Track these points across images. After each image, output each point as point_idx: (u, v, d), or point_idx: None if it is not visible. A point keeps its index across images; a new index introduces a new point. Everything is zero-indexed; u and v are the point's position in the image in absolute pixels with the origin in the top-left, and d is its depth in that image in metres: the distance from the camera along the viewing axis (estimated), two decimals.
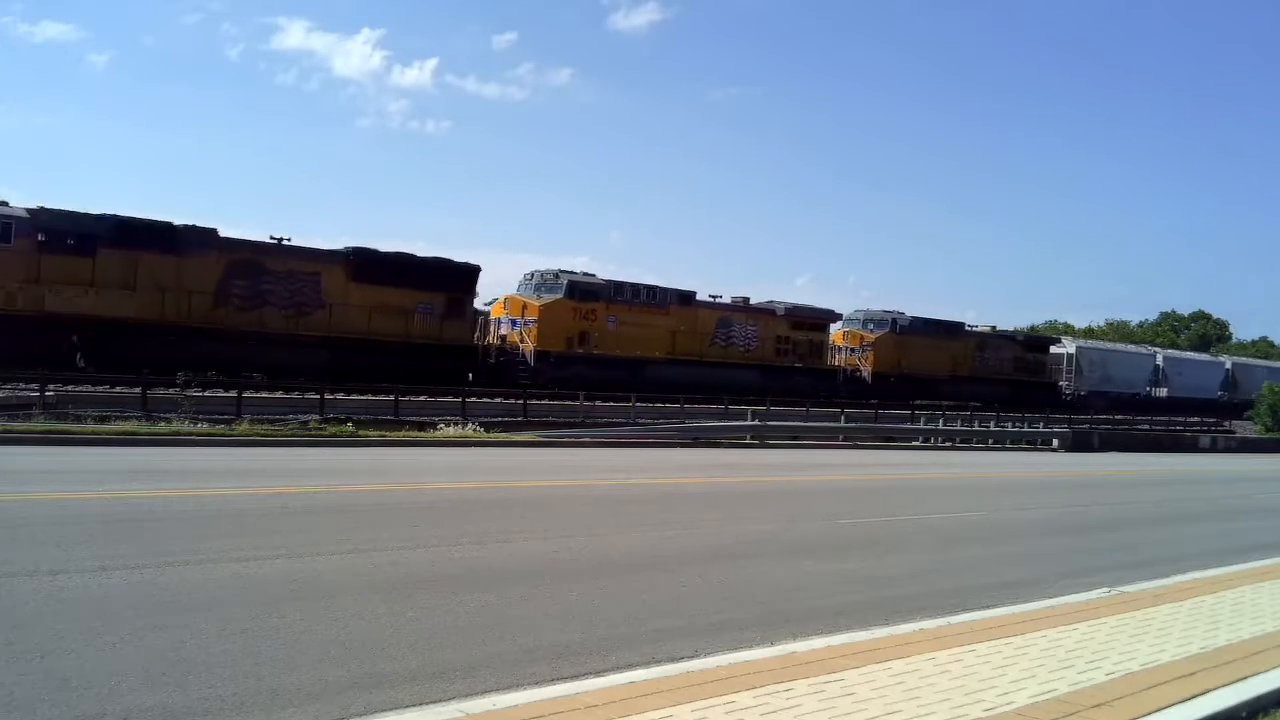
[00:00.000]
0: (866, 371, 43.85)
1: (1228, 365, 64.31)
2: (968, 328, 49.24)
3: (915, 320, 45.94)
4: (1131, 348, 64.28)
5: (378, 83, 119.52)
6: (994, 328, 50.35)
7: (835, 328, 45.25)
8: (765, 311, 41.41)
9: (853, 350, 44.46)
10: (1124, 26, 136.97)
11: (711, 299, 39.96)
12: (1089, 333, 78.57)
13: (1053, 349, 53.94)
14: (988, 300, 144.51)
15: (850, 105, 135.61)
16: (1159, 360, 60.60)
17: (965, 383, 46.91)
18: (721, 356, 38.81)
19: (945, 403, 42.71)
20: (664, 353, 36.93)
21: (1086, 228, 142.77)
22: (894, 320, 45.13)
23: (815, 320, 43.21)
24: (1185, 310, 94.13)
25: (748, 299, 41.38)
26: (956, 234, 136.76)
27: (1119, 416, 54.24)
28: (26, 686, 4.74)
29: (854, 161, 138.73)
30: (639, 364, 35.85)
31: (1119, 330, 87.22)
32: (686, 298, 38.19)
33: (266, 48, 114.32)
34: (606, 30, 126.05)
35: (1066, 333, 73.65)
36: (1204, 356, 68.45)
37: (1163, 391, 58.35)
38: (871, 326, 45.14)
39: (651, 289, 37.40)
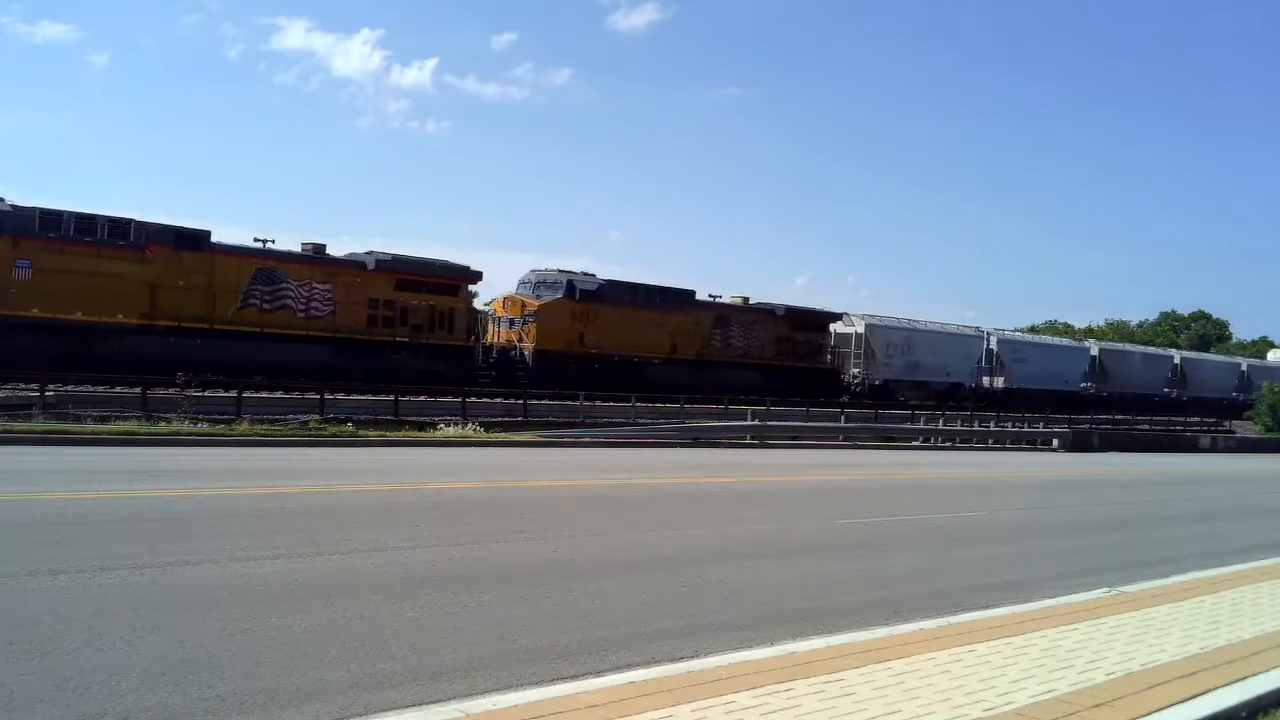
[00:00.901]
0: (528, 350, 33.18)
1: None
2: (708, 298, 39.26)
3: (610, 285, 35.48)
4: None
5: (377, 83, 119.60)
6: (745, 300, 40.46)
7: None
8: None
9: (512, 323, 33.82)
10: (1124, 27, 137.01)
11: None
12: (1089, 333, 78.29)
13: (835, 328, 43.64)
14: (988, 300, 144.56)
15: (850, 105, 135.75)
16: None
17: (694, 367, 36.97)
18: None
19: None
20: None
21: (1086, 228, 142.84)
22: (571, 283, 34.18)
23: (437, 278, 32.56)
24: (1185, 310, 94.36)
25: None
26: (956, 234, 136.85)
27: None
28: (26, 686, 4.74)
29: (854, 161, 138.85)
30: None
31: (1119, 330, 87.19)
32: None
33: (266, 48, 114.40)
34: (606, 30, 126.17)
35: (1066, 333, 73.33)
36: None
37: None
38: (542, 292, 34.19)
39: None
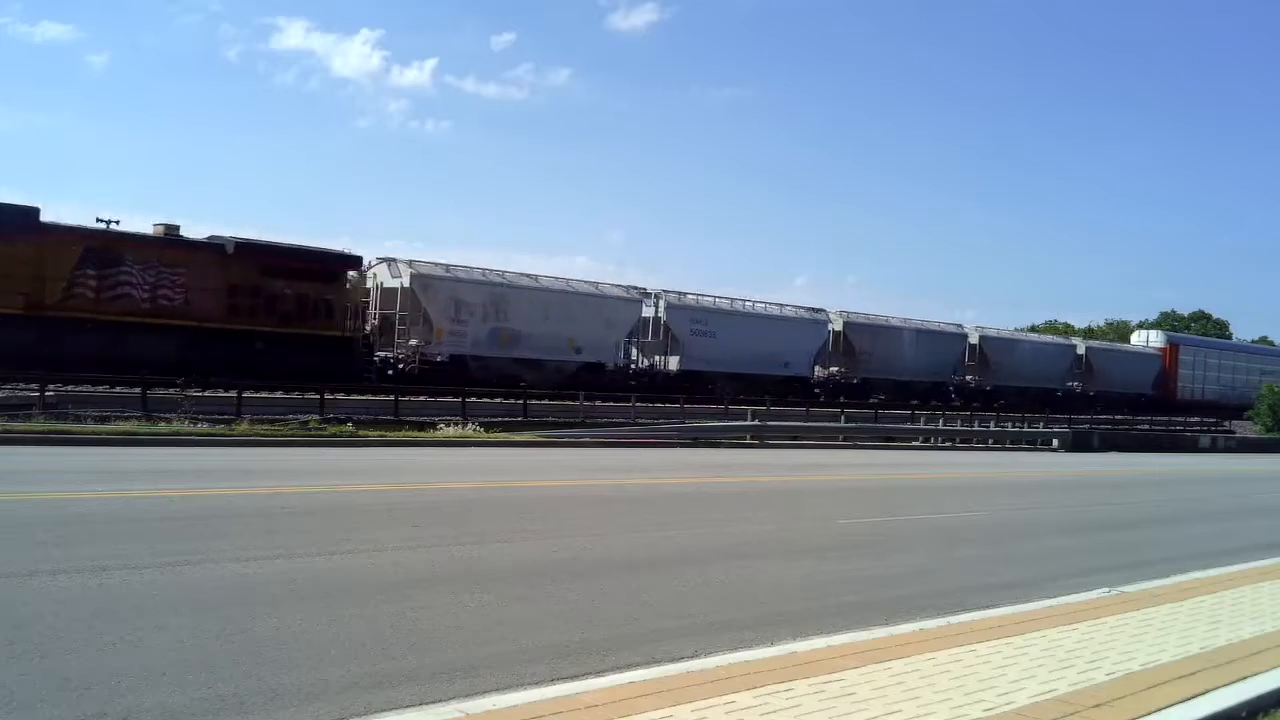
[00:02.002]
0: None
1: (974, 339, 48.48)
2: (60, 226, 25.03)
3: None
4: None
5: (377, 83, 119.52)
6: (169, 229, 26.60)
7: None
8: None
9: None
10: (1124, 25, 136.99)
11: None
12: (1088, 333, 78.11)
13: (381, 279, 30.84)
14: (988, 300, 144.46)
15: (849, 104, 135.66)
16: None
17: (38, 326, 23.51)
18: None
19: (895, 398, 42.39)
20: None
21: (1087, 227, 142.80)
22: None
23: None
24: (1185, 310, 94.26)
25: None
26: (956, 234, 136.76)
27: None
28: (26, 686, 4.74)
29: (853, 161, 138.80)
30: None
31: (1119, 330, 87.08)
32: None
33: (265, 48, 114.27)
34: (605, 30, 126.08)
35: (1066, 332, 72.95)
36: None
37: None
38: None
39: None
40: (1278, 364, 65.86)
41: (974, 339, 48.52)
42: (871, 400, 41.47)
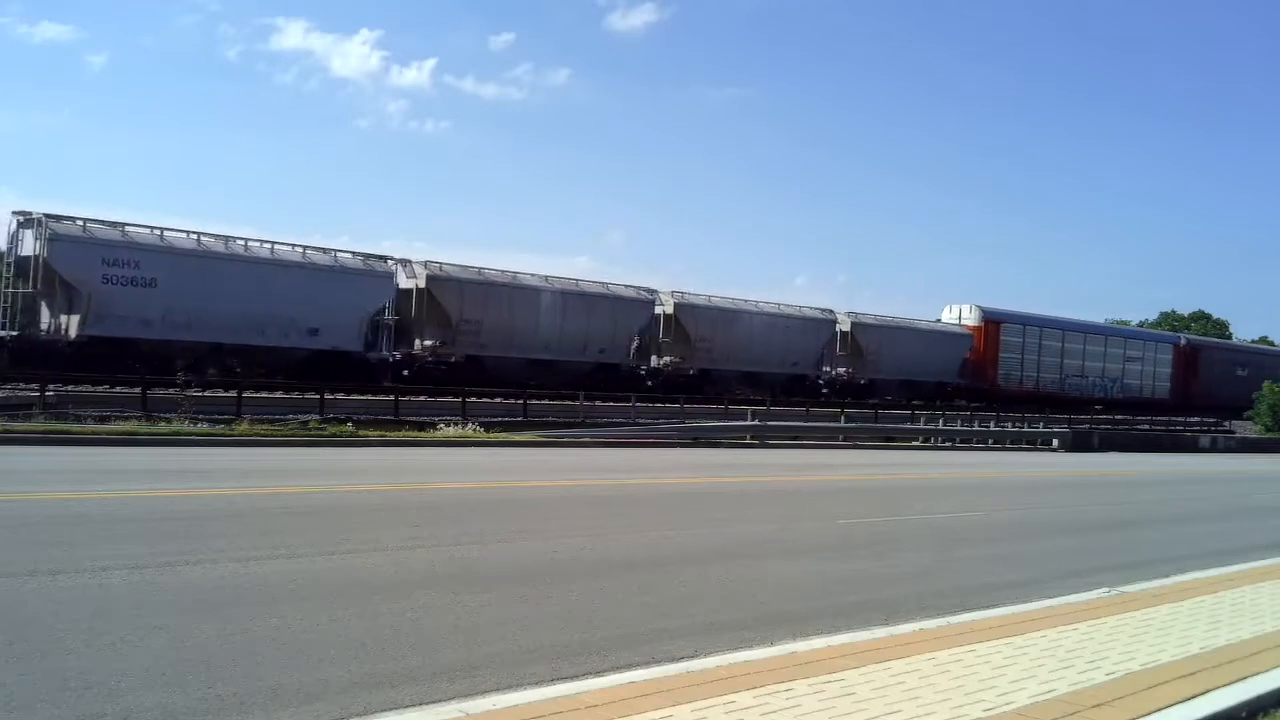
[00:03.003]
0: None
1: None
2: None
3: None
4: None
5: (376, 83, 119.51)
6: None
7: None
8: None
9: None
10: (1124, 25, 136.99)
11: None
12: None
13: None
14: (987, 300, 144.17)
15: (849, 103, 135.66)
16: (844, 327, 41.23)
17: None
18: None
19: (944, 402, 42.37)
20: None
21: (1087, 227, 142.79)
22: None
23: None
24: (1185, 310, 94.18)
25: None
26: (956, 233, 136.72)
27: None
28: (26, 686, 4.74)
29: (853, 161, 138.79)
30: None
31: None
32: None
33: (265, 48, 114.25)
34: (604, 30, 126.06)
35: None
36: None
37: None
38: None
39: None
40: (1146, 350, 58.44)
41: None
42: (872, 401, 41.39)
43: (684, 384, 36.24)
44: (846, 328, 42.55)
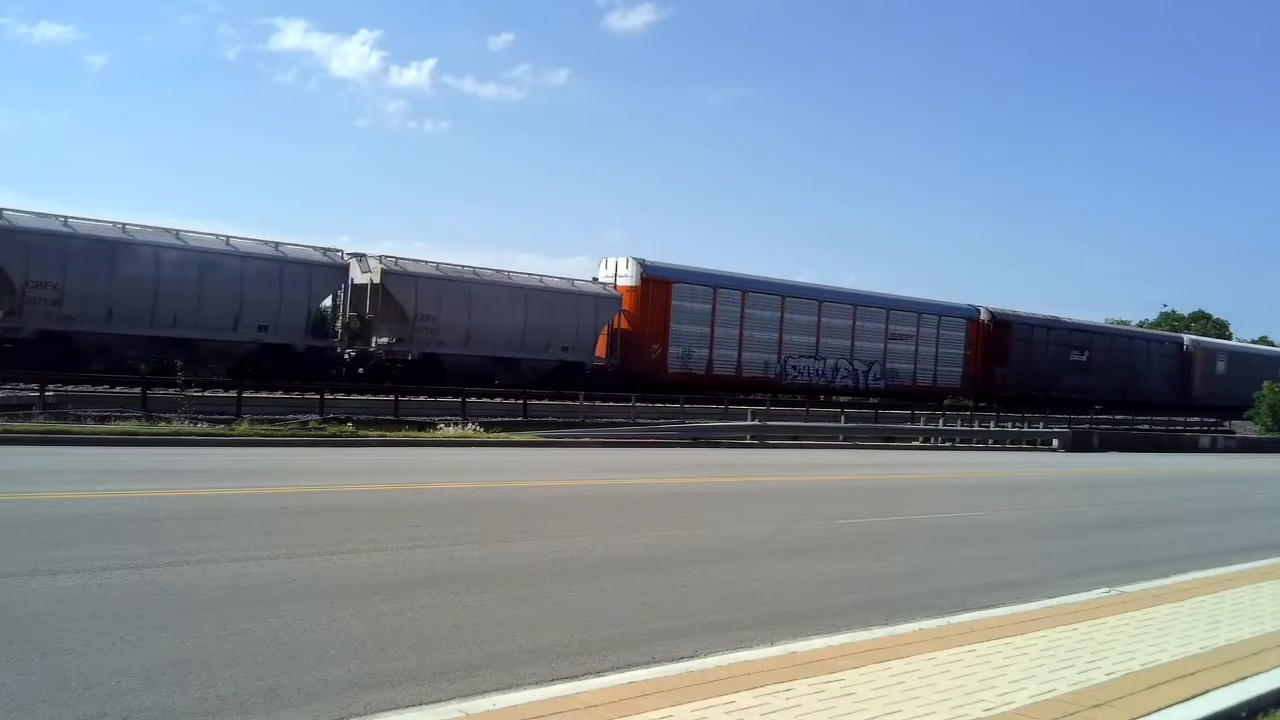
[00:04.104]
0: None
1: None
2: None
3: None
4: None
5: (375, 83, 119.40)
6: None
7: None
8: None
9: None
10: (1125, 22, 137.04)
11: None
12: None
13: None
14: (986, 299, 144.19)
15: (849, 102, 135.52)
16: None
17: None
18: None
19: (946, 401, 42.12)
20: None
21: (1087, 226, 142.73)
22: None
23: None
24: (1185, 310, 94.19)
25: None
26: (956, 232, 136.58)
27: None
28: (26, 686, 4.74)
29: (854, 159, 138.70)
30: None
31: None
32: None
33: (264, 48, 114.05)
34: (603, 31, 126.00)
35: None
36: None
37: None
38: None
39: None
40: (924, 326, 43.94)
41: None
42: (873, 401, 41.34)
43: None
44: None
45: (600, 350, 34.35)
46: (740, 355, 37.52)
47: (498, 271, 31.95)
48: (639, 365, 34.56)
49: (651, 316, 35.06)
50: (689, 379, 35.60)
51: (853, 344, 41.10)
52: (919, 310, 44.19)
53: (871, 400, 40.53)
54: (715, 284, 37.13)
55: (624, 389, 31.85)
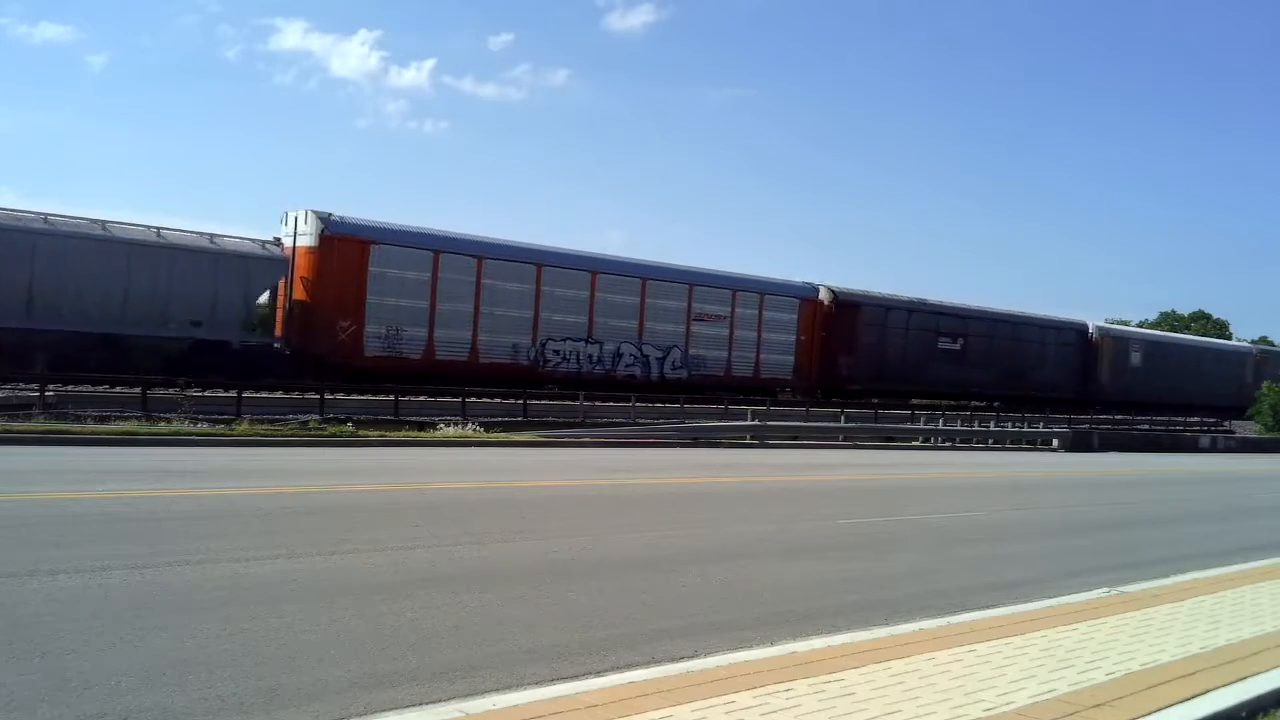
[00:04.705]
0: None
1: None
2: None
3: None
4: None
5: (375, 83, 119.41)
6: None
7: None
8: None
9: None
10: (1125, 22, 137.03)
11: None
12: None
13: None
14: (987, 300, 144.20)
15: (849, 103, 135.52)
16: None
17: None
18: None
19: (944, 402, 41.96)
20: None
21: (1087, 226, 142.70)
22: None
23: None
24: (1185, 310, 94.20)
25: None
26: (956, 233, 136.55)
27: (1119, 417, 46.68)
28: (26, 686, 4.74)
29: (854, 159, 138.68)
30: None
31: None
32: None
33: (264, 48, 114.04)
34: (602, 31, 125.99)
35: None
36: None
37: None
38: None
39: None
40: (745, 306, 36.27)
41: None
42: (873, 400, 41.24)
43: None
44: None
45: (279, 328, 28.03)
46: (476, 337, 29.91)
47: (92, 221, 24.58)
48: (322, 346, 27.31)
49: (339, 285, 27.41)
50: (397, 365, 28.32)
51: (641, 324, 33.56)
52: (734, 287, 36.38)
53: (679, 395, 32.59)
54: (437, 247, 29.28)
55: (295, 375, 26.49)
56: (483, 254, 30.29)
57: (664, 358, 34.36)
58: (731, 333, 36.08)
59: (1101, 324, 51.80)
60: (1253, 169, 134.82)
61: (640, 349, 33.78)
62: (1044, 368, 47.05)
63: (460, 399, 27.30)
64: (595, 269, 33.06)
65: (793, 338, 37.73)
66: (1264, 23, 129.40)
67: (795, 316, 37.76)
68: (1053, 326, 48.52)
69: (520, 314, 30.93)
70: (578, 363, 32.26)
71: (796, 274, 43.89)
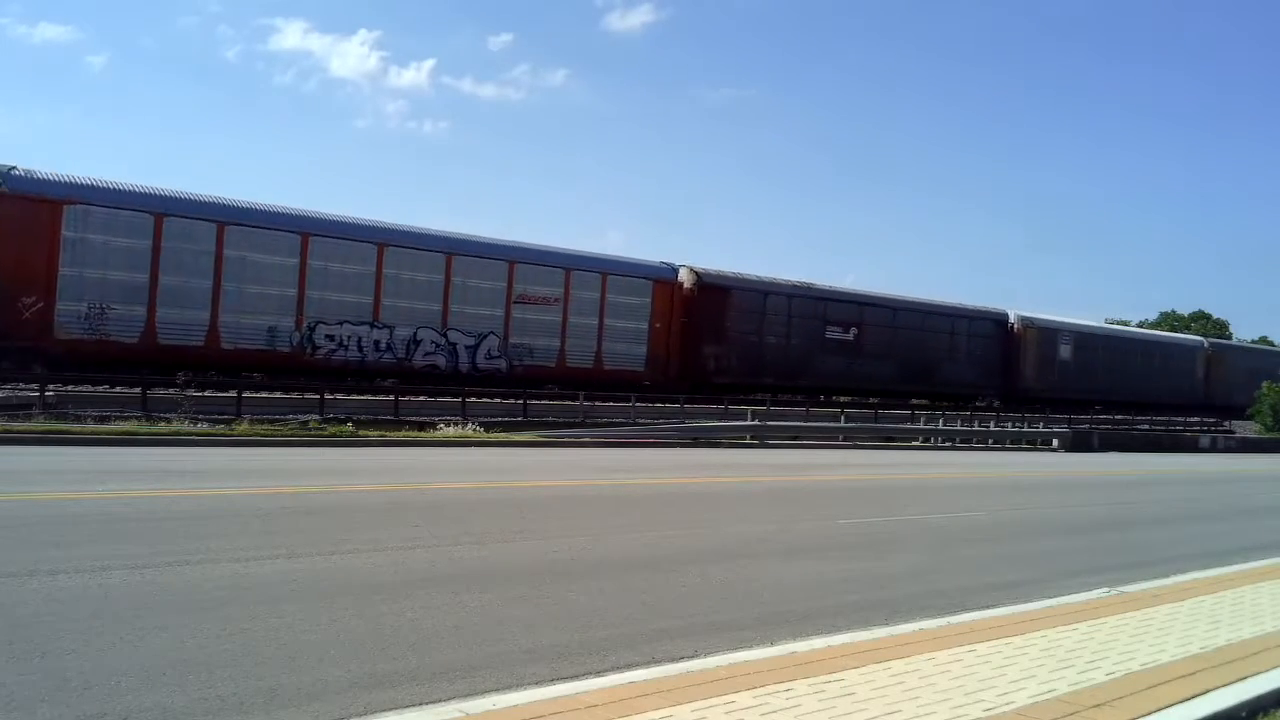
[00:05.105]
0: None
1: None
2: None
3: None
4: None
5: (374, 84, 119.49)
6: None
7: None
8: None
9: None
10: (1123, 27, 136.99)
11: None
12: None
13: None
14: (987, 300, 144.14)
15: (848, 104, 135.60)
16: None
17: None
18: None
19: (944, 403, 41.83)
20: None
21: (1087, 227, 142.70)
22: None
23: None
24: (1185, 310, 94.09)
25: None
26: (956, 234, 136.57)
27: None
28: (26, 686, 4.74)
29: (852, 161, 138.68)
30: None
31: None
32: None
33: (264, 49, 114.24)
34: (602, 31, 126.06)
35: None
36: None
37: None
38: None
39: None
40: (617, 292, 32.33)
41: None
42: (872, 400, 41.18)
43: None
44: None
45: None
46: (216, 317, 25.55)
47: None
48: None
49: (19, 253, 23.11)
50: (102, 349, 24.00)
51: (446, 307, 29.21)
52: (568, 265, 31.73)
53: (495, 389, 29.30)
54: (159, 209, 24.73)
55: None
56: (225, 219, 25.67)
57: (476, 346, 29.94)
58: (565, 318, 31.43)
59: (1024, 313, 46.29)
60: (1253, 170, 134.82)
61: (445, 335, 29.41)
62: (956, 361, 42.76)
63: (460, 399, 27.32)
64: (382, 240, 28.23)
65: (644, 325, 33.02)
66: (1262, 29, 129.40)
67: (649, 300, 33.08)
68: (965, 316, 43.58)
69: (281, 292, 26.59)
70: (360, 349, 28.03)
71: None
